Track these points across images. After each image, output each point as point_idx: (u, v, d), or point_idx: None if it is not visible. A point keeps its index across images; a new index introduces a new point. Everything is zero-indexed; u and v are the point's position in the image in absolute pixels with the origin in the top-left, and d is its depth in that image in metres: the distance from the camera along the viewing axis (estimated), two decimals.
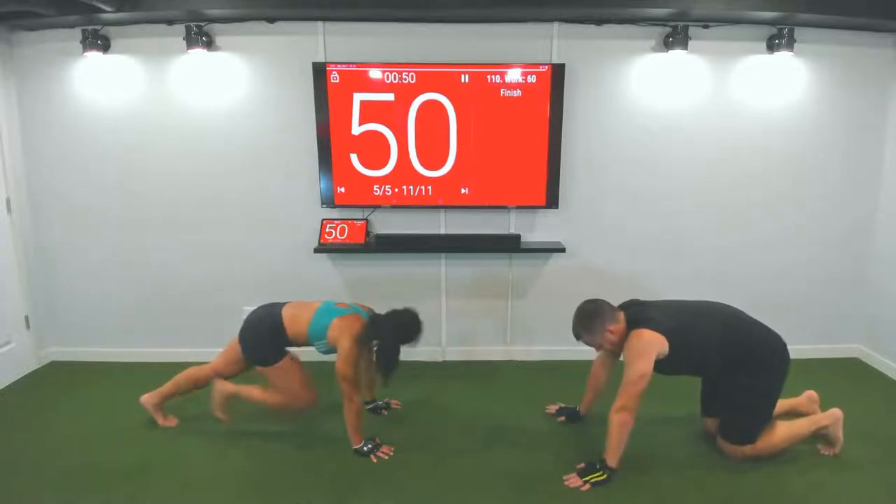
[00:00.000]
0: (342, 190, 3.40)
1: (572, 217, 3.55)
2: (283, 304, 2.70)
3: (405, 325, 2.62)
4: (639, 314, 2.45)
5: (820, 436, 2.59)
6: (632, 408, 2.28)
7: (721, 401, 2.56)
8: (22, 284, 3.47)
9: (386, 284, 3.58)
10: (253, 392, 2.71)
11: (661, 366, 2.35)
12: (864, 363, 3.65)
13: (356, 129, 3.30)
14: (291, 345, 2.65)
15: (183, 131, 3.41)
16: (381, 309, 2.73)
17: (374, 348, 2.62)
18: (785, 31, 3.21)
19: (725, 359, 2.43)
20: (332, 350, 2.58)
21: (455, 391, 3.26)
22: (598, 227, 3.57)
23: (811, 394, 2.75)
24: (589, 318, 2.46)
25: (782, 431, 2.51)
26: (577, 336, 2.50)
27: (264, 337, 2.63)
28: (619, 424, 2.29)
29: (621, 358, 2.48)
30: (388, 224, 3.54)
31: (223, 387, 2.72)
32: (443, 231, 3.56)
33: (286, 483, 2.39)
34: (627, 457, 2.35)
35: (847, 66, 3.38)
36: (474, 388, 3.31)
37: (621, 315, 2.47)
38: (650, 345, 2.31)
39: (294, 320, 2.61)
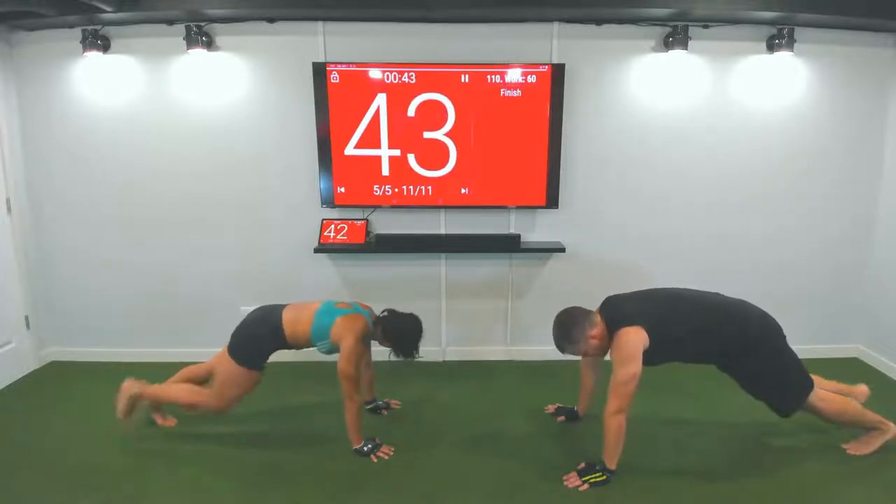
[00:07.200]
0: (342, 190, 3.40)
1: (572, 217, 3.55)
2: (284, 306, 2.69)
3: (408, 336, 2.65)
4: (616, 312, 2.44)
5: (865, 430, 2.58)
6: (626, 408, 2.29)
7: (746, 388, 2.56)
8: (22, 284, 3.47)
9: (386, 284, 3.59)
10: (162, 391, 2.71)
11: (645, 357, 2.33)
12: (864, 363, 3.65)
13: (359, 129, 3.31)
14: (288, 348, 2.65)
15: (183, 131, 3.41)
16: (381, 309, 2.74)
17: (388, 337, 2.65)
18: (785, 31, 3.21)
19: (714, 343, 2.42)
20: (334, 350, 2.58)
21: (455, 391, 3.26)
22: (598, 226, 3.57)
23: (864, 389, 2.72)
24: (568, 329, 2.43)
25: (838, 403, 2.52)
26: (562, 349, 2.47)
27: (260, 338, 2.61)
28: (617, 428, 2.29)
29: (607, 357, 2.46)
30: (388, 224, 3.54)
31: (131, 387, 2.72)
32: (443, 231, 3.56)
33: (286, 483, 2.39)
34: (626, 457, 2.35)
35: (847, 66, 3.38)
36: (474, 388, 3.31)
37: (598, 317, 2.45)
38: (636, 344, 2.30)
39: (294, 323, 2.61)
